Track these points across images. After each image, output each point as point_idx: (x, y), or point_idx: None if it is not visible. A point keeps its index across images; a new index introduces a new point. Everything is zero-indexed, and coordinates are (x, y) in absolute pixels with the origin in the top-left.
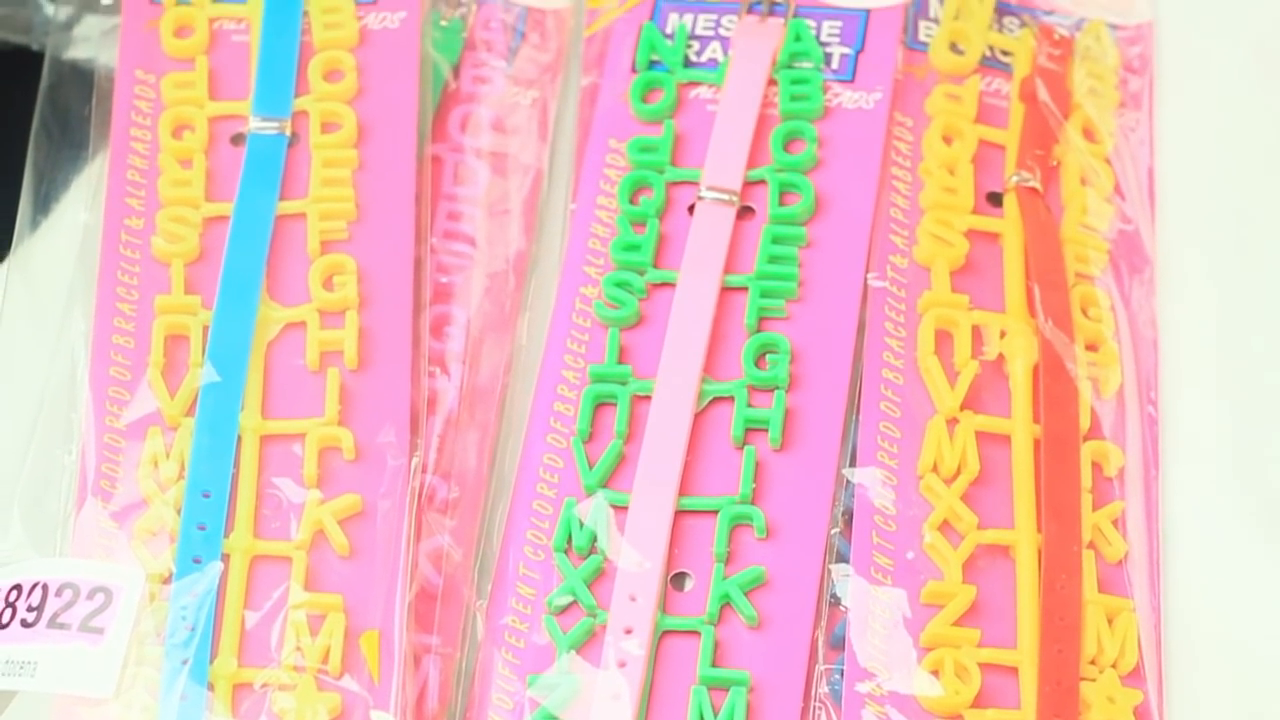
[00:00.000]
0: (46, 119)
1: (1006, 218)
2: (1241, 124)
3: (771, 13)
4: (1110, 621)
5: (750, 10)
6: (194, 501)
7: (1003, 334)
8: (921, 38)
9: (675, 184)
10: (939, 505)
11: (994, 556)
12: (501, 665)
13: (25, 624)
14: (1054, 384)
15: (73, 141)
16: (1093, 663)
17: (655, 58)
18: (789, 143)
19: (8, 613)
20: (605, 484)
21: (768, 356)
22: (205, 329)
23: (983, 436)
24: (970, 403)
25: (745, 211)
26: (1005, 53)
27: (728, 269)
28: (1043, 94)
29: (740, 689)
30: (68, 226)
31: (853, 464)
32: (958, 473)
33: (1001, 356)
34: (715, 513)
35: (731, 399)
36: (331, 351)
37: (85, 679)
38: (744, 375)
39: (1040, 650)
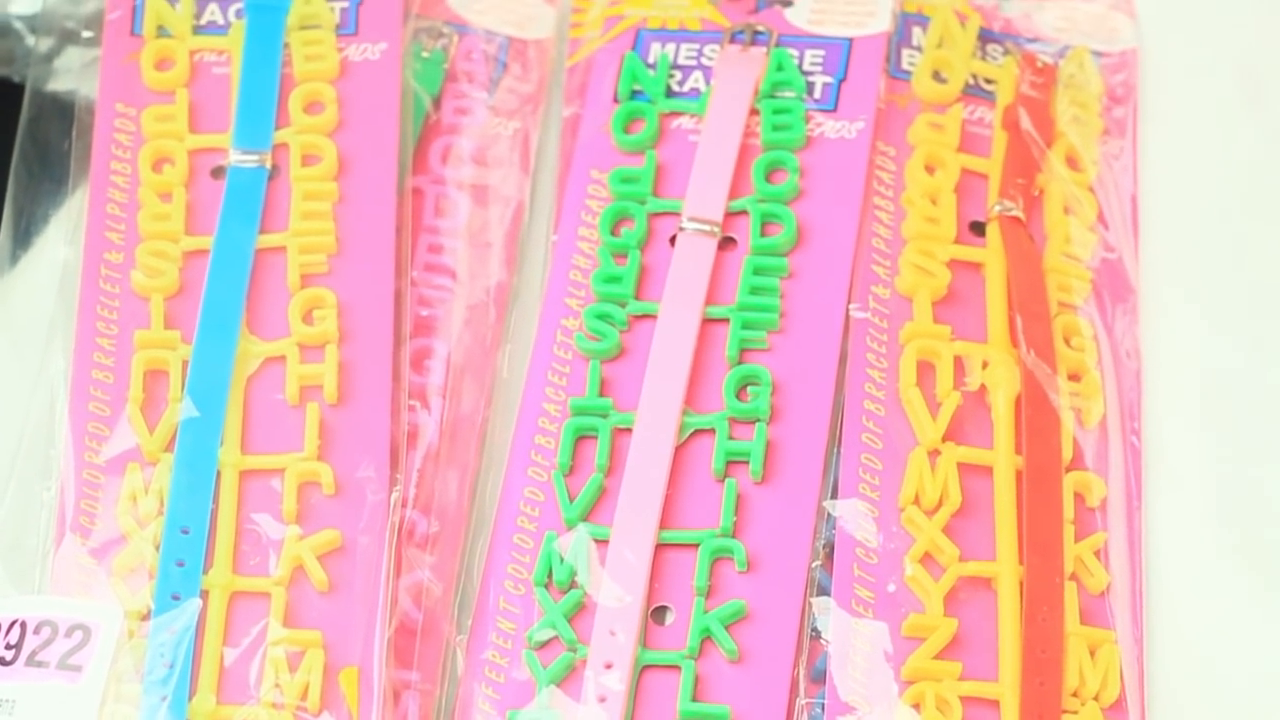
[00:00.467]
0: (27, 152)
1: (989, 247)
2: (1226, 152)
3: (754, 42)
4: (1092, 653)
5: (733, 40)
6: (173, 538)
7: (985, 365)
8: (904, 66)
9: (657, 215)
10: (920, 537)
11: (976, 589)
12: (482, 700)
13: (3, 662)
14: (1036, 414)
15: (53, 175)
16: (1075, 695)
17: (637, 87)
18: (771, 173)
19: None
20: (586, 517)
21: (749, 388)
22: (185, 364)
23: (965, 468)
24: (952, 434)
25: (727, 242)
26: (988, 81)
27: (709, 300)
28: (1026, 122)
29: None
30: (47, 261)
31: (834, 496)
32: (939, 505)
33: (984, 387)
34: (696, 545)
35: (713, 431)
36: (311, 386)
37: (64, 717)
38: (725, 407)
39: (1022, 683)
